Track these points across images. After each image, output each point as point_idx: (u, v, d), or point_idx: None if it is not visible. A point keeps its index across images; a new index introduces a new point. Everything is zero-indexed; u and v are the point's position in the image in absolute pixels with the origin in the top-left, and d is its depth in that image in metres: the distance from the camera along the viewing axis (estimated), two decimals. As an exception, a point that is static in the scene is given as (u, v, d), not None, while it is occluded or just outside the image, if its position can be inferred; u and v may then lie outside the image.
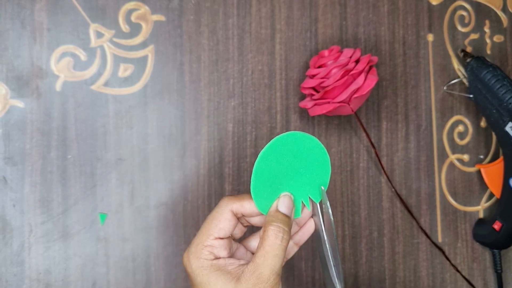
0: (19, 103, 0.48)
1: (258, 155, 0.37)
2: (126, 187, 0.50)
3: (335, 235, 0.39)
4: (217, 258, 0.37)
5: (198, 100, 0.52)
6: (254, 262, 0.35)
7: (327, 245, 0.38)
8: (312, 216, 0.40)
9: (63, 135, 0.49)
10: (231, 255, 0.38)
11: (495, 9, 0.60)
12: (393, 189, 0.56)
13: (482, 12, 0.59)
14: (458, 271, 0.56)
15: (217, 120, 0.52)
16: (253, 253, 0.41)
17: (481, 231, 0.56)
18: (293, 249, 0.41)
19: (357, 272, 0.54)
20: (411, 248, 0.56)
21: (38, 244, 0.48)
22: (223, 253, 0.37)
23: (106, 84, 0.50)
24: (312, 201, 0.40)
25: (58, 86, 0.49)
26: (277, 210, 0.37)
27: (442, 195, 0.57)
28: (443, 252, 0.56)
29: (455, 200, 0.57)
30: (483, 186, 0.58)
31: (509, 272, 0.58)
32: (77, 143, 0.49)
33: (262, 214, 0.38)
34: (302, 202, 0.40)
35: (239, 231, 0.40)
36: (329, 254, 0.38)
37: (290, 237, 0.37)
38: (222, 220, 0.37)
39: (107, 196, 0.50)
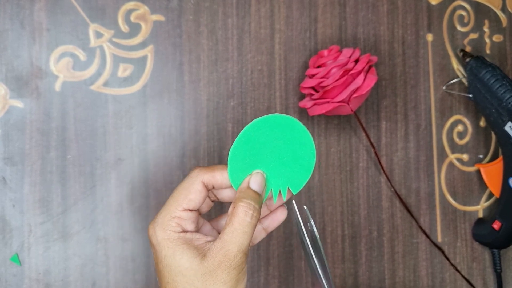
0: (19, 103, 0.48)
1: (243, 129, 0.36)
2: (126, 187, 0.50)
3: (322, 251, 0.38)
4: (184, 231, 0.35)
5: (197, 100, 0.52)
6: (222, 238, 0.34)
7: (315, 261, 0.38)
8: (284, 205, 0.39)
9: (62, 135, 0.49)
10: (198, 231, 0.37)
11: (494, 9, 0.60)
12: (392, 189, 0.56)
13: (482, 12, 0.59)
14: (457, 270, 0.56)
15: (216, 120, 0.52)
16: (219, 232, 0.39)
17: (481, 231, 0.56)
18: (261, 234, 0.39)
19: (357, 272, 0.54)
20: (411, 247, 0.56)
21: (37, 244, 0.48)
22: (190, 226, 0.35)
23: (105, 84, 0.50)
24: (289, 190, 0.39)
25: (57, 86, 0.49)
26: (248, 187, 0.36)
27: (442, 195, 0.57)
28: (443, 252, 0.56)
29: (455, 199, 0.57)
30: (483, 186, 0.58)
31: (509, 272, 0.58)
32: (77, 143, 0.49)
33: (232, 187, 0.37)
34: (272, 190, 0.38)
35: (206, 206, 0.38)
36: (318, 268, 0.38)
37: (259, 215, 0.35)
38: (193, 191, 0.35)
39: (107, 196, 0.50)
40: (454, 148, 0.58)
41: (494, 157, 0.58)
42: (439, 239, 0.57)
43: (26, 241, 0.48)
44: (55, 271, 0.48)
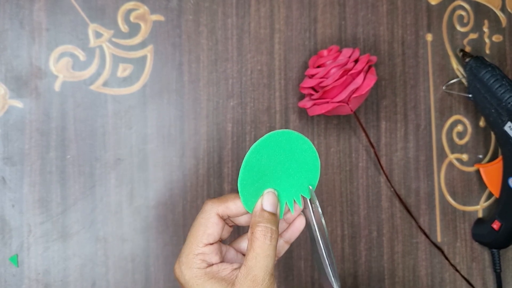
0: (18, 103, 0.48)
1: (249, 149, 0.37)
2: (125, 187, 0.50)
3: (327, 234, 0.38)
4: (209, 265, 0.36)
5: (197, 100, 0.52)
6: (246, 265, 0.35)
7: (321, 245, 0.38)
8: (303, 211, 0.39)
9: (62, 135, 0.49)
10: (223, 259, 0.38)
11: (494, 9, 0.60)
12: (392, 189, 0.56)
13: (481, 12, 0.59)
14: (457, 270, 0.56)
15: (216, 120, 0.52)
16: (243, 254, 0.40)
17: (480, 231, 0.56)
18: (283, 247, 0.40)
19: (356, 272, 0.54)
20: (410, 247, 0.56)
21: (37, 244, 0.48)
22: (215, 258, 0.36)
23: (105, 84, 0.50)
24: (303, 197, 0.39)
25: (57, 86, 0.49)
26: (263, 209, 0.36)
27: (441, 195, 0.57)
28: (442, 252, 0.56)
29: (454, 199, 0.57)
30: (482, 186, 0.58)
31: (508, 272, 0.58)
32: (76, 143, 0.49)
33: (247, 213, 0.38)
34: (287, 202, 0.39)
35: (226, 232, 0.39)
36: (323, 253, 0.38)
37: (278, 235, 0.36)
38: (210, 225, 0.36)
39: (106, 196, 0.49)
40: (454, 148, 0.58)
41: (493, 157, 0.58)
42: (439, 239, 0.57)
43: (25, 241, 0.48)
44: (54, 271, 0.48)
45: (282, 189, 0.38)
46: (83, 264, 0.49)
